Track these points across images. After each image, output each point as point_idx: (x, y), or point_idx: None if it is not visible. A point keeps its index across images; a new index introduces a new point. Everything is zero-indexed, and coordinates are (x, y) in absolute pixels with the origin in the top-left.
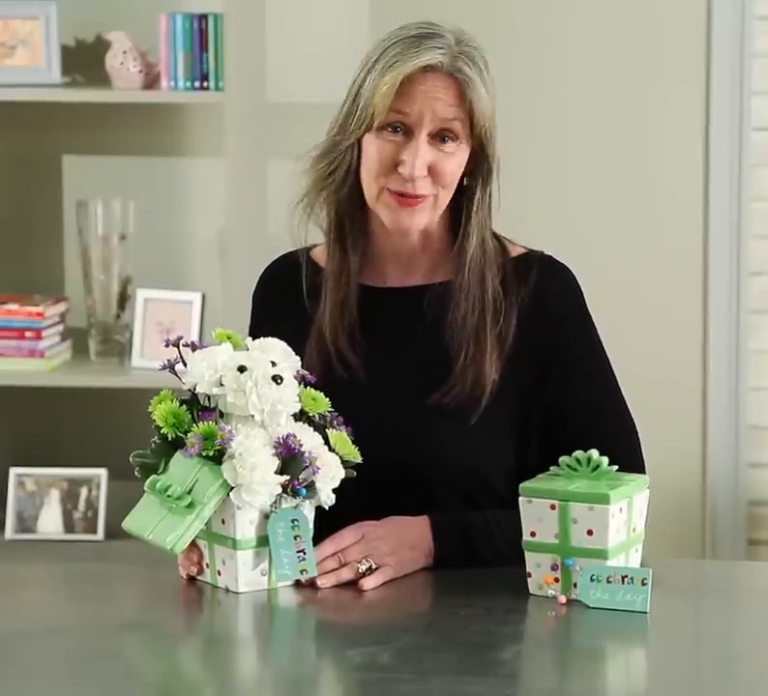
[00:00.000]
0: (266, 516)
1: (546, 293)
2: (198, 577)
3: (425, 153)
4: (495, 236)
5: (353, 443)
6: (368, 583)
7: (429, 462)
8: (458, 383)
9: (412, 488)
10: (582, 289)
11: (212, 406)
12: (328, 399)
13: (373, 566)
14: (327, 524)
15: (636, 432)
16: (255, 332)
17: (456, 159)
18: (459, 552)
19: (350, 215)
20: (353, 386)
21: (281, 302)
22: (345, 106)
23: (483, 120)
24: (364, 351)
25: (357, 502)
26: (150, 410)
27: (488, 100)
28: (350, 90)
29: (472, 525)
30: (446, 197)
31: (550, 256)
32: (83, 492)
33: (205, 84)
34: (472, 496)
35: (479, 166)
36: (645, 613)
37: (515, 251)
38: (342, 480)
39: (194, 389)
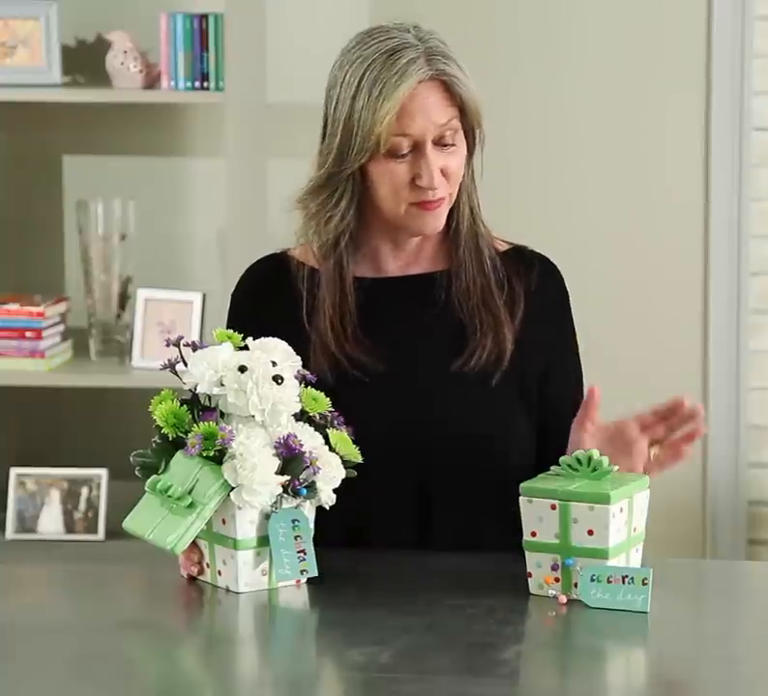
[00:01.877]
0: (266, 516)
1: (549, 286)
2: (199, 577)
3: (436, 161)
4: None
5: (377, 437)
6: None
7: (455, 426)
8: (478, 348)
9: (441, 458)
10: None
11: (212, 406)
12: (351, 395)
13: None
14: (347, 498)
15: None
16: (246, 328)
17: (459, 154)
18: None
19: (352, 231)
20: (372, 371)
21: (273, 303)
22: (338, 137)
23: (474, 107)
24: (372, 343)
25: (386, 484)
26: (150, 410)
27: (469, 83)
28: (336, 117)
29: None
30: (456, 191)
31: (540, 252)
32: (83, 492)
33: (205, 84)
34: (499, 463)
35: (469, 147)
36: (645, 613)
37: (502, 245)
38: (369, 455)
39: (195, 389)
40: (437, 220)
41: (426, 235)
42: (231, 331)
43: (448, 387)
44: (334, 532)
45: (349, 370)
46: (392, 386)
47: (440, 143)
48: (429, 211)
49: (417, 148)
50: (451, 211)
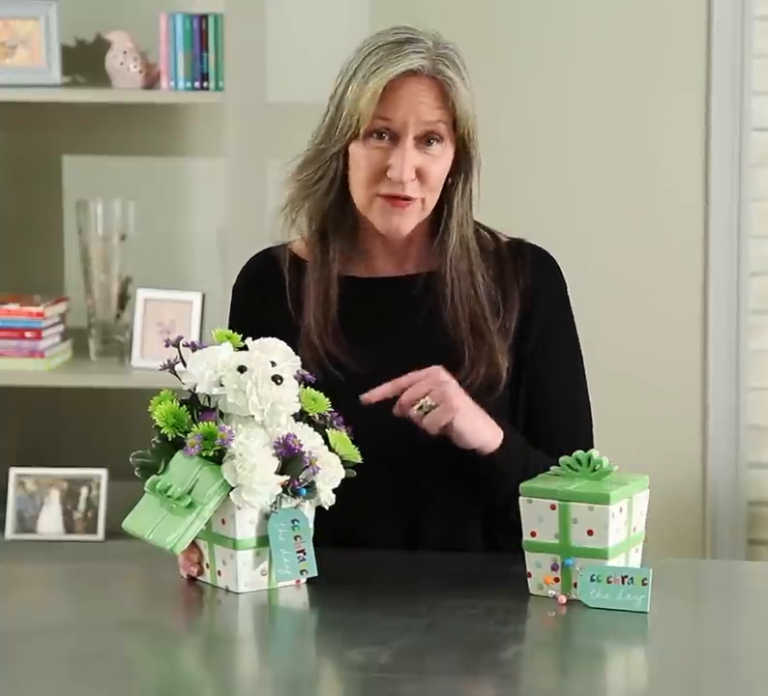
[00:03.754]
0: (266, 516)
1: (544, 280)
2: (198, 577)
3: (412, 157)
4: (483, 227)
5: (358, 438)
6: (428, 421)
7: (441, 447)
8: (471, 375)
9: (426, 472)
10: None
11: (212, 406)
12: (331, 392)
13: (434, 405)
14: (337, 515)
15: (592, 427)
16: (238, 326)
17: (442, 162)
18: (518, 455)
19: (335, 218)
20: (351, 378)
21: (265, 296)
22: (328, 115)
23: (466, 119)
24: (354, 342)
25: (370, 486)
26: (150, 410)
27: (470, 99)
28: (332, 99)
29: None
30: (433, 200)
31: (538, 245)
32: (83, 492)
33: (205, 84)
34: (475, 473)
35: (461, 165)
36: (645, 613)
37: (501, 239)
38: (356, 469)
39: (194, 389)
40: (403, 220)
41: (391, 235)
42: (232, 325)
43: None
44: (323, 532)
45: (328, 367)
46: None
47: (423, 143)
48: (396, 207)
49: (397, 139)
50: (439, 222)
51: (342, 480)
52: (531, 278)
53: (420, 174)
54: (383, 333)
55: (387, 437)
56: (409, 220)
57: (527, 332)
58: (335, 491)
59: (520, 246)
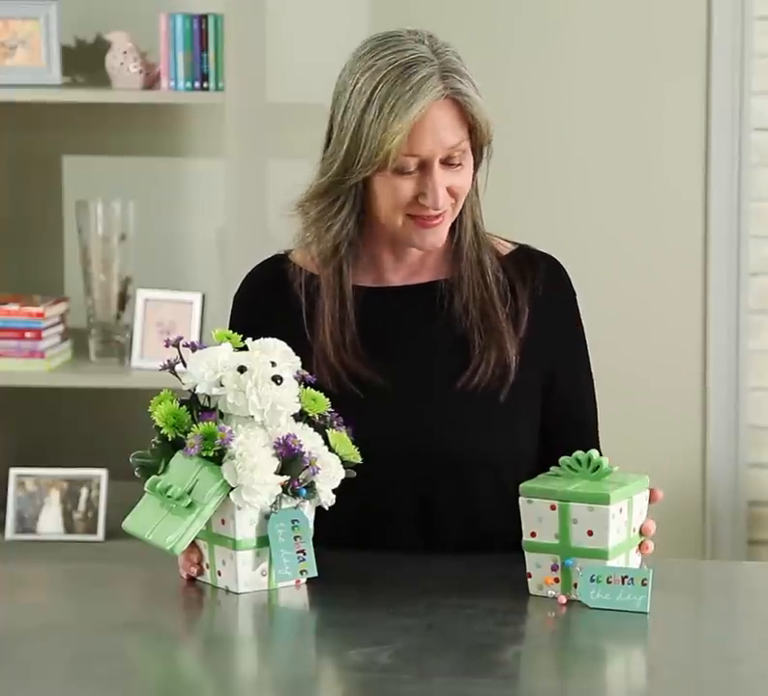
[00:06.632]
0: (266, 517)
1: (555, 289)
2: (198, 578)
3: (442, 180)
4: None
5: (377, 456)
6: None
7: (461, 447)
8: (481, 364)
9: (445, 474)
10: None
11: (212, 406)
12: (350, 408)
13: None
14: (351, 516)
15: (598, 425)
16: (246, 332)
17: (466, 171)
18: None
19: (352, 241)
20: (372, 392)
21: (272, 311)
22: (344, 146)
23: (485, 127)
24: (372, 354)
25: (388, 492)
26: (150, 410)
27: (482, 102)
28: (344, 126)
29: None
30: (460, 206)
31: (545, 252)
32: (83, 492)
33: (205, 84)
34: (503, 478)
35: (475, 159)
36: (645, 613)
37: (506, 247)
38: (372, 469)
39: (194, 389)
40: (437, 237)
41: (425, 250)
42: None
43: (452, 404)
44: (337, 539)
45: (348, 383)
46: (393, 401)
47: (448, 163)
48: (428, 228)
49: (424, 166)
50: (454, 223)
51: (359, 486)
52: (543, 288)
53: (449, 190)
54: (396, 343)
55: (407, 453)
56: (443, 233)
57: (543, 353)
58: (335, 494)
59: (528, 252)
